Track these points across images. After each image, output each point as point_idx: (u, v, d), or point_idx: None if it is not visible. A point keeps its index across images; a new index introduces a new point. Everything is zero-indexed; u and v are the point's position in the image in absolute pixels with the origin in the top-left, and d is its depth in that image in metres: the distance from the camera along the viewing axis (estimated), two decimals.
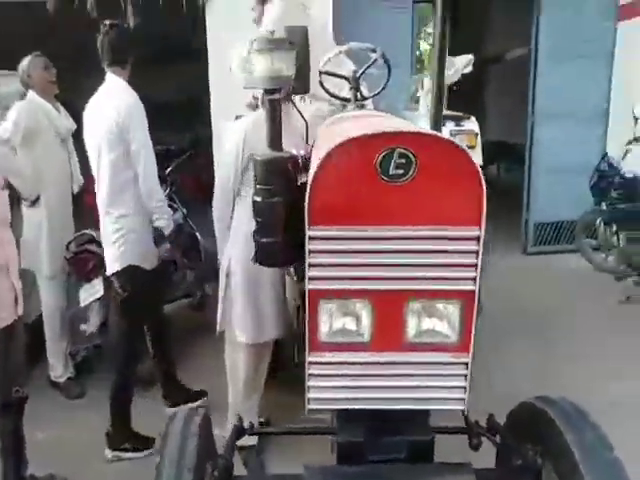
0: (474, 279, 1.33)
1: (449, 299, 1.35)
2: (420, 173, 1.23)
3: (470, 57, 2.29)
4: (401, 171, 1.23)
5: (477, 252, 1.30)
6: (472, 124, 2.44)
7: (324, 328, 1.40)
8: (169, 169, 4.07)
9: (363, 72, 2.32)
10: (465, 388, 1.44)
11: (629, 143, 4.24)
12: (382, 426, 1.50)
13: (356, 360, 1.41)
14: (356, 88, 2.36)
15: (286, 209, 1.79)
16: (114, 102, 2.46)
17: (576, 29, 5.00)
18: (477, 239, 1.29)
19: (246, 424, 1.80)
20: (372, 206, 1.28)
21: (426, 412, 1.53)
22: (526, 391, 1.70)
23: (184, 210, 4.13)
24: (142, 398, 2.83)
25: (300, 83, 1.88)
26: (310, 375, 1.43)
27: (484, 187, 1.25)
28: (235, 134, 2.38)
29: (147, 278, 2.62)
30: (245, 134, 2.31)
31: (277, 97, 1.75)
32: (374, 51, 2.26)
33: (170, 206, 3.63)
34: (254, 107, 2.63)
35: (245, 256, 2.38)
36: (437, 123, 1.58)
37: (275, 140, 1.81)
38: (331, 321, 1.39)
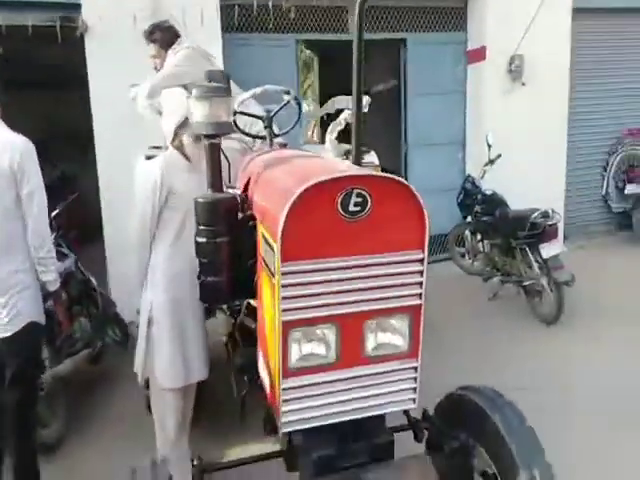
0: (420, 295, 1.56)
1: (400, 314, 1.56)
2: (374, 209, 1.44)
3: (368, 98, 2.58)
4: (358, 208, 1.43)
5: (422, 272, 1.54)
6: (372, 157, 2.72)
7: (295, 355, 1.51)
8: (55, 212, 3.80)
9: (277, 112, 2.50)
10: (416, 389, 1.65)
11: (485, 165, 4.99)
12: (347, 435, 1.65)
13: (324, 380, 1.55)
14: (270, 127, 2.53)
15: (229, 248, 1.89)
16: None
17: (435, 71, 5.89)
18: (422, 260, 1.53)
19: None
20: (335, 240, 1.45)
21: (382, 416, 1.71)
22: None
23: (74, 255, 3.86)
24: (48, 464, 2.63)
25: None
26: (284, 401, 1.53)
27: (426, 217, 1.50)
28: (151, 173, 2.33)
29: (43, 334, 2.46)
30: (162, 172, 2.30)
31: (217, 142, 1.86)
32: (287, 93, 2.45)
33: (59, 252, 3.39)
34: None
35: (168, 300, 2.35)
36: (358, 157, 1.78)
37: (216, 182, 1.91)
38: (300, 347, 1.52)
